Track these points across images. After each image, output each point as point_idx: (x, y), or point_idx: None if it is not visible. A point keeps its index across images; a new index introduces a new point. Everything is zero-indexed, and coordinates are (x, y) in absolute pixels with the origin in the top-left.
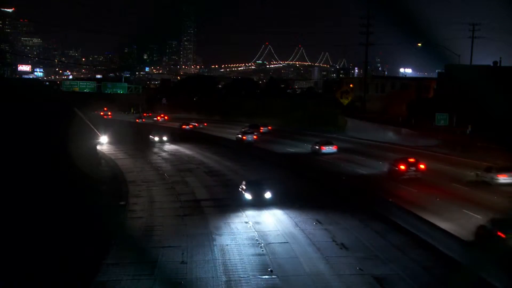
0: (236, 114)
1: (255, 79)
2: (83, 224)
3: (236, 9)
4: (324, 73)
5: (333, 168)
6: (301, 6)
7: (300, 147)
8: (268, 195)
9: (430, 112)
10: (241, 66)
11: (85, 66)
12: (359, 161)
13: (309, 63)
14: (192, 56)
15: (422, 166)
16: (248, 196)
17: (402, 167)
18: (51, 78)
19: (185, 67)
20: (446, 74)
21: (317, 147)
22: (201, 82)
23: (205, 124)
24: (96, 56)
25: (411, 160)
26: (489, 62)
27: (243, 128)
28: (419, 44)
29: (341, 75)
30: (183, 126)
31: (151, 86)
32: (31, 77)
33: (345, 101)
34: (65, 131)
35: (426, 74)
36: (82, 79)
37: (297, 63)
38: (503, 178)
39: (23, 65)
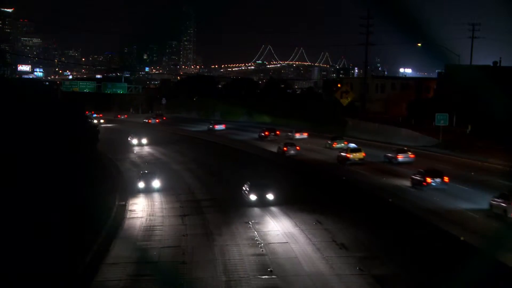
0: (236, 114)
1: (255, 79)
2: (84, 223)
3: (236, 9)
4: (324, 73)
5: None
6: (301, 6)
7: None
8: None
9: (430, 112)
10: (241, 66)
11: (85, 66)
12: (241, 134)
13: (309, 63)
14: (192, 56)
15: (278, 133)
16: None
17: (266, 133)
18: (51, 78)
19: (185, 67)
20: (446, 74)
21: (211, 126)
22: (201, 82)
23: (305, 134)
24: (96, 56)
25: (273, 129)
26: (489, 62)
27: (151, 116)
28: (419, 44)
29: (341, 75)
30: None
31: (151, 86)
32: (31, 77)
33: (345, 101)
34: None
35: (426, 74)
36: (82, 79)
37: (296, 63)
38: (298, 136)
39: (23, 65)
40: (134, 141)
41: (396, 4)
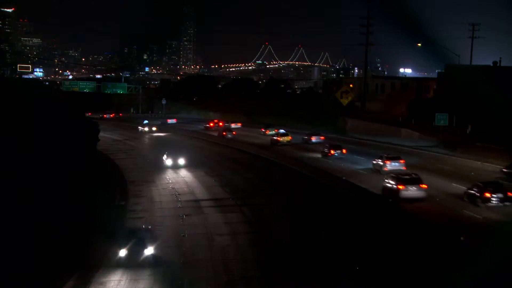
0: (236, 113)
1: (255, 79)
2: (84, 224)
3: (236, 9)
4: (324, 73)
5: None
6: (302, 6)
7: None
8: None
9: (430, 112)
10: (241, 66)
11: (85, 66)
12: (190, 126)
13: (309, 63)
14: (192, 56)
15: (221, 124)
16: None
17: (211, 124)
18: (51, 78)
19: (185, 67)
20: (446, 74)
21: (164, 120)
22: (201, 82)
23: (239, 124)
24: (96, 56)
25: (217, 121)
26: (489, 62)
27: (107, 112)
28: (419, 44)
29: (341, 75)
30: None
31: (151, 86)
32: (30, 77)
33: (345, 101)
34: None
35: (426, 74)
36: (82, 79)
37: (297, 63)
38: (234, 125)
39: (23, 65)
40: (169, 162)
41: (396, 4)
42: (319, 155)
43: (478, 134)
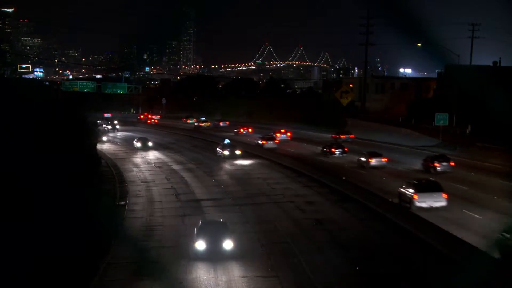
0: (236, 113)
1: (255, 79)
2: (83, 224)
3: (236, 9)
4: (324, 73)
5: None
6: (302, 6)
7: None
8: None
9: (430, 112)
10: (241, 66)
11: (85, 66)
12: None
13: (309, 63)
14: (192, 56)
15: (149, 116)
16: None
17: (142, 116)
18: (51, 78)
19: (185, 67)
20: (446, 74)
21: (102, 114)
22: (201, 82)
23: (159, 116)
24: (96, 56)
25: (146, 114)
26: (489, 62)
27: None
28: (419, 44)
29: (341, 75)
30: None
31: (151, 86)
32: (31, 77)
33: (345, 101)
34: None
35: (426, 74)
36: (82, 79)
37: (296, 63)
38: (155, 116)
39: (23, 65)
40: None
41: (396, 4)
42: (233, 134)
43: (478, 134)
